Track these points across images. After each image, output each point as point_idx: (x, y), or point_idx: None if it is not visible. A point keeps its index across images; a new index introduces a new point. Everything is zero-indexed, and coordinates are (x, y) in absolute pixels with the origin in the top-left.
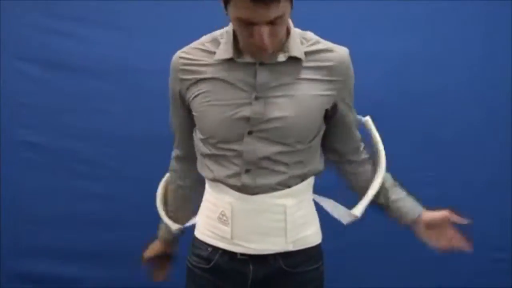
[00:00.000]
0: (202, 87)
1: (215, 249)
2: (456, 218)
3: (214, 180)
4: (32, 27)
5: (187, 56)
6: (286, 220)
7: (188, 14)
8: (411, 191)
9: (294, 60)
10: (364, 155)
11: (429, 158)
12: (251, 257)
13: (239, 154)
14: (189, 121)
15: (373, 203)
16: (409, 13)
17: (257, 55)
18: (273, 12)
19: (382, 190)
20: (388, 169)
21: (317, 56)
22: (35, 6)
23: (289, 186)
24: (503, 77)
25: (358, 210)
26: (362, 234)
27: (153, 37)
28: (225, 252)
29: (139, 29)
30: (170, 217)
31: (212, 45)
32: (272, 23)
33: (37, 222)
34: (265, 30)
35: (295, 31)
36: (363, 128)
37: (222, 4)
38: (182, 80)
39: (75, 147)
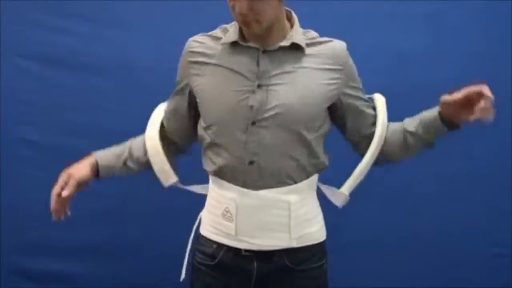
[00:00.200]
0: (208, 72)
1: (220, 245)
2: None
3: (217, 173)
4: (31, 24)
5: (198, 40)
6: (290, 216)
7: (189, 12)
8: (410, 187)
9: (296, 49)
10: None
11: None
12: (255, 254)
13: (242, 144)
14: (185, 110)
15: (423, 145)
16: (408, 11)
17: (249, 35)
18: None
19: (406, 134)
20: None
21: (317, 47)
22: (35, 3)
23: (294, 182)
24: (503, 73)
25: (345, 188)
26: (361, 234)
27: (154, 34)
28: (229, 248)
29: (140, 26)
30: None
31: (221, 32)
32: None
33: (37, 220)
34: (243, 2)
35: (299, 27)
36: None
37: None
38: (190, 63)
39: (75, 145)
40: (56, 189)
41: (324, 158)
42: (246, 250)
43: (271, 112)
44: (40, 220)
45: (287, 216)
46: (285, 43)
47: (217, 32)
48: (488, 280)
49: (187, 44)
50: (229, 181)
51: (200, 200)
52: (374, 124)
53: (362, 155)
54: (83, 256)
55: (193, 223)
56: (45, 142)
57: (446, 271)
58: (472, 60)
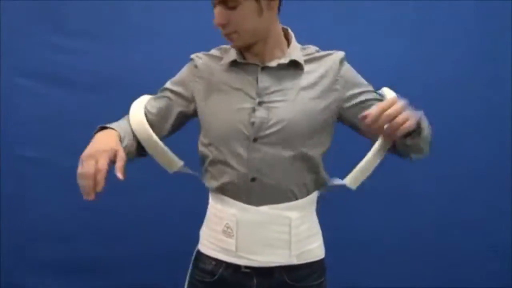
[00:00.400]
0: (210, 90)
1: (219, 262)
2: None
3: (219, 190)
4: (31, 42)
5: (201, 57)
6: (291, 232)
7: (186, 31)
8: (410, 187)
9: (294, 66)
10: None
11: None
12: (255, 270)
13: (245, 161)
14: (173, 114)
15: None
16: (406, 15)
17: (248, 53)
18: None
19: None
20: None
21: (314, 62)
22: (34, 21)
23: (295, 198)
24: (503, 73)
25: (349, 179)
26: (361, 234)
27: (151, 51)
28: (229, 265)
29: (138, 43)
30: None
31: (221, 52)
32: (224, 4)
33: (37, 237)
34: (218, 9)
35: (296, 43)
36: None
37: None
38: (196, 77)
39: (74, 162)
40: (102, 164)
41: (324, 175)
42: (245, 267)
43: (272, 129)
44: (40, 237)
45: (288, 233)
46: (284, 60)
47: (216, 52)
48: (488, 280)
49: (194, 58)
50: (230, 197)
51: (198, 215)
52: None
53: None
54: (82, 272)
55: (192, 240)
56: (43, 159)
57: (446, 271)
58: (472, 61)
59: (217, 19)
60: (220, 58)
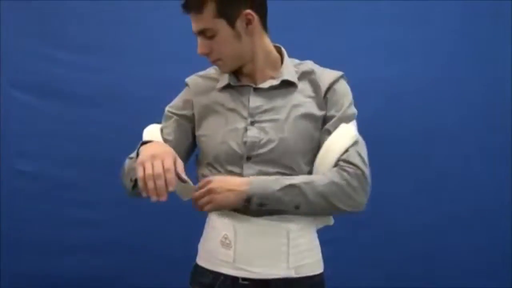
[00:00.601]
0: (207, 112)
1: (217, 275)
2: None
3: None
4: (28, 56)
5: (197, 79)
6: (289, 244)
7: (184, 42)
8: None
9: (287, 85)
10: None
11: (428, 153)
12: (253, 282)
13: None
14: (190, 132)
15: None
16: (405, 13)
17: (241, 74)
18: (198, 23)
19: None
20: None
21: (309, 79)
22: (33, 35)
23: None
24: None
25: None
26: (361, 233)
27: (147, 64)
28: (226, 277)
29: (133, 57)
30: None
31: (216, 72)
32: (203, 34)
33: (37, 250)
34: (199, 40)
35: (289, 60)
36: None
37: None
38: (194, 99)
39: (68, 175)
40: (170, 164)
41: None
42: (243, 279)
43: (264, 149)
44: (41, 250)
45: (286, 245)
46: (276, 81)
47: (212, 71)
48: (488, 280)
49: (189, 82)
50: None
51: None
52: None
53: None
54: (76, 286)
55: (192, 256)
56: (38, 173)
57: (446, 271)
58: (472, 61)
59: (199, 49)
60: (216, 80)
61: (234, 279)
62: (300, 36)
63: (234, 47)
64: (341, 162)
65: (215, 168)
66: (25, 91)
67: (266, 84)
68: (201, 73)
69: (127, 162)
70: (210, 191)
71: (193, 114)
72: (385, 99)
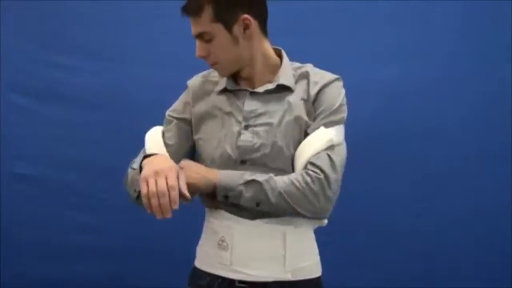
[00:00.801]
0: (205, 116)
1: (214, 277)
2: None
3: (215, 206)
4: (28, 60)
5: (197, 82)
6: (286, 247)
7: (180, 45)
8: (410, 187)
9: (283, 89)
10: None
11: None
12: (249, 285)
13: None
14: (189, 136)
15: None
16: (406, 38)
17: (238, 78)
18: (196, 26)
19: None
20: None
21: (305, 82)
22: (32, 39)
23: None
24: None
25: None
26: (359, 233)
27: (145, 67)
28: (223, 280)
29: (133, 60)
30: None
31: (217, 75)
32: (201, 37)
33: (37, 255)
34: (197, 43)
35: (288, 63)
36: None
37: None
38: (193, 103)
39: (68, 178)
40: (174, 180)
41: None
42: (240, 281)
43: (257, 153)
44: (41, 255)
45: (283, 247)
46: (271, 86)
47: (213, 74)
48: (488, 280)
49: (190, 84)
50: (226, 211)
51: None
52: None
53: None
54: None
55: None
56: (37, 176)
57: (446, 271)
58: (472, 61)
59: (197, 51)
60: (215, 83)
61: (231, 281)
62: (300, 37)
63: (231, 51)
64: (308, 165)
65: None
66: (24, 95)
67: (261, 89)
68: (205, 73)
69: (130, 172)
70: (180, 167)
71: (191, 119)
72: (385, 99)
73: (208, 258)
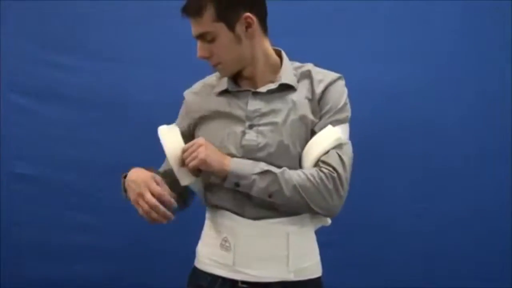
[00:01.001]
0: (205, 120)
1: (216, 278)
2: None
3: (216, 205)
4: (28, 60)
5: (194, 91)
6: (289, 247)
7: (180, 45)
8: (410, 187)
9: (286, 88)
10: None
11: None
12: (252, 286)
13: None
14: None
15: None
16: (406, 38)
17: (239, 79)
18: (197, 27)
19: None
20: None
21: (307, 81)
22: (31, 38)
23: (294, 213)
24: (503, 73)
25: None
26: (359, 233)
27: (144, 68)
28: (225, 280)
29: (134, 60)
30: None
31: (216, 79)
32: (202, 38)
33: (37, 255)
34: (199, 43)
35: (289, 63)
36: None
37: None
38: (190, 114)
39: (68, 178)
40: (157, 190)
41: None
42: (242, 282)
43: (262, 153)
44: (41, 255)
45: (286, 247)
46: (274, 85)
47: (212, 78)
48: (488, 280)
49: (185, 94)
50: (228, 211)
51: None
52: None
53: None
54: None
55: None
56: (36, 176)
57: (446, 271)
58: (472, 61)
59: (199, 52)
60: (214, 85)
61: (233, 282)
62: (300, 37)
63: (234, 51)
64: (320, 163)
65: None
66: (24, 95)
67: (264, 88)
68: (201, 80)
69: (122, 182)
70: (198, 145)
71: (189, 126)
72: (385, 99)
73: (209, 258)
